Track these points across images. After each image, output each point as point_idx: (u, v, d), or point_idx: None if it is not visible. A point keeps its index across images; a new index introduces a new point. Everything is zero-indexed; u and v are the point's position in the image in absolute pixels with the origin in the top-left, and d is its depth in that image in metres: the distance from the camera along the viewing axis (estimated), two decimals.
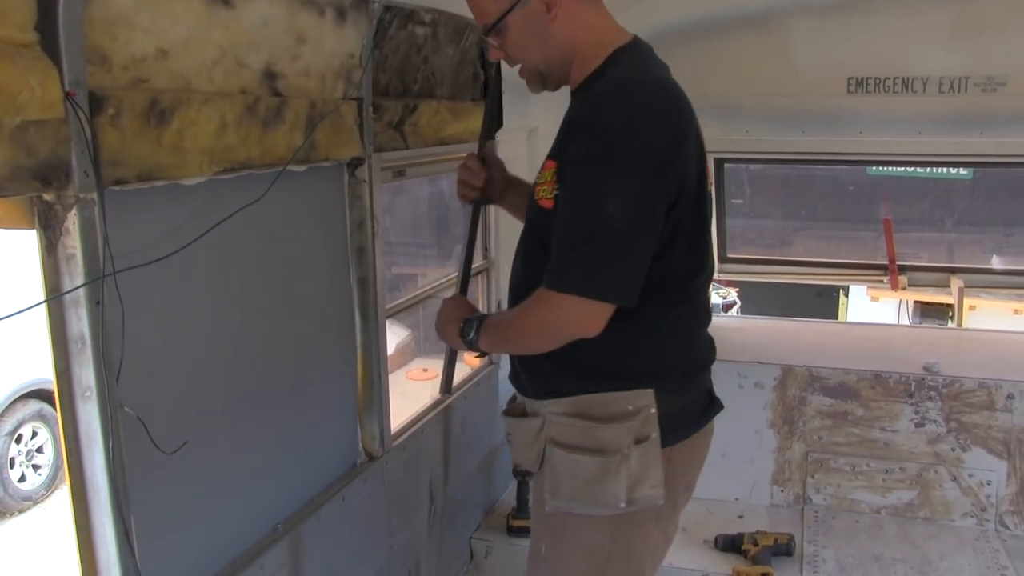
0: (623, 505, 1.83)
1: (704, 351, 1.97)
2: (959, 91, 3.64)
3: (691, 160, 1.76)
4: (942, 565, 3.02)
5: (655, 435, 1.83)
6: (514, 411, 2.04)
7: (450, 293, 3.36)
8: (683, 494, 2.03)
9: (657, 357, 1.86)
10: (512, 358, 2.00)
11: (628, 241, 1.70)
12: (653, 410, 1.83)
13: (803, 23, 3.80)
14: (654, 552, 2.01)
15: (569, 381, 1.87)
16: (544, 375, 1.91)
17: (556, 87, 1.92)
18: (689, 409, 1.94)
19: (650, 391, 1.83)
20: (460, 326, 1.95)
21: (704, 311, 1.96)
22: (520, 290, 1.93)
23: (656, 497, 1.84)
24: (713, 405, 2.02)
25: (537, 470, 1.96)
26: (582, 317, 1.72)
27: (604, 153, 1.68)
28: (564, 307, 1.72)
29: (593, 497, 1.85)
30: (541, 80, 1.92)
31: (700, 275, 1.88)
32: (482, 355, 2.04)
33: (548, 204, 1.81)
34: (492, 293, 3.29)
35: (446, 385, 2.26)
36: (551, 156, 1.84)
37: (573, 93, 1.91)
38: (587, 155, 1.70)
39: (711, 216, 1.91)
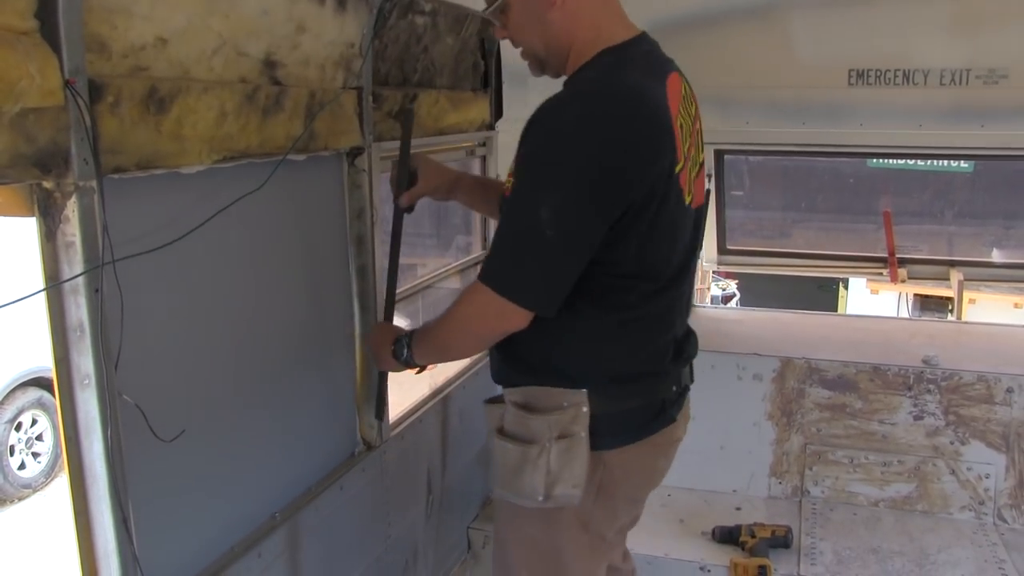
0: (540, 499, 1.85)
1: (655, 360, 1.93)
2: (960, 83, 3.63)
3: (650, 175, 1.71)
4: (940, 558, 3.03)
5: (583, 434, 1.83)
6: (493, 399, 2.06)
7: (449, 284, 3.37)
8: (623, 504, 2.02)
9: (589, 360, 1.86)
10: (491, 349, 2.00)
11: (555, 251, 1.70)
12: (585, 409, 1.83)
13: (804, 14, 3.79)
14: (589, 556, 2.01)
15: (518, 372, 1.91)
16: (503, 364, 1.95)
17: (556, 74, 1.92)
18: (632, 416, 1.91)
19: (583, 391, 1.83)
20: (392, 348, 1.99)
21: (661, 320, 1.91)
22: None
23: (573, 497, 1.84)
24: (663, 416, 1.97)
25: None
26: (504, 314, 1.74)
27: (548, 160, 1.69)
28: (489, 304, 1.74)
29: (515, 486, 1.88)
30: (539, 65, 1.93)
31: (651, 283, 1.84)
32: (422, 369, 2.07)
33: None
34: None
35: (379, 411, 2.35)
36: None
37: (564, 85, 1.90)
38: (532, 158, 1.71)
39: (684, 224, 1.88)
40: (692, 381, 2.07)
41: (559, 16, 1.81)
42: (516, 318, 1.74)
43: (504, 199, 1.81)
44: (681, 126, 1.80)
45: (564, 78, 1.89)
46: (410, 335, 1.98)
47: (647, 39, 1.87)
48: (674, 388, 1.98)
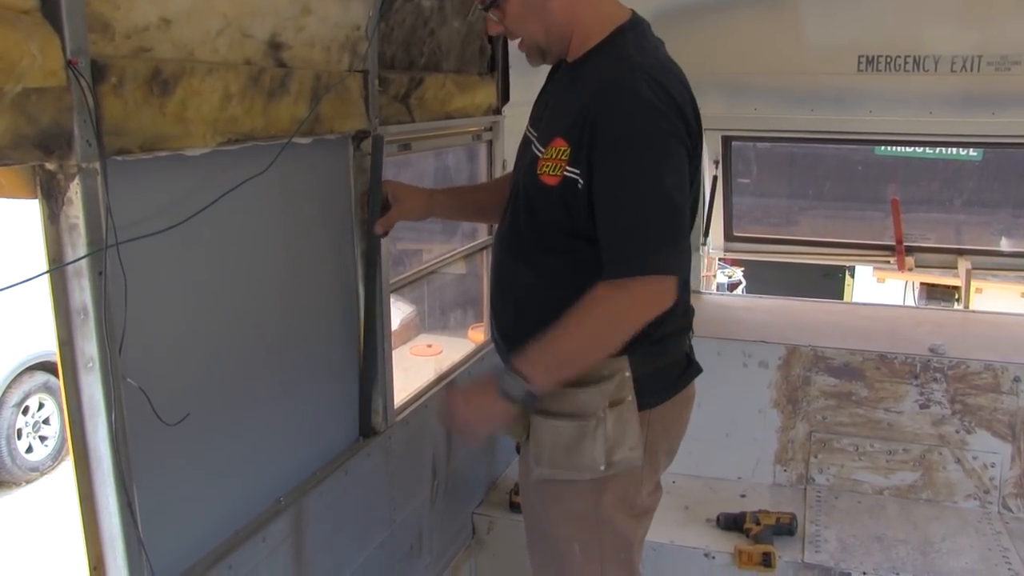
0: (602, 468, 1.88)
1: (683, 315, 2.01)
2: (972, 70, 3.60)
3: (697, 127, 1.87)
4: (944, 546, 3.02)
5: (631, 398, 1.88)
6: None
7: (454, 269, 3.36)
8: (664, 458, 2.08)
9: None
10: (493, 333, 2.05)
11: (685, 214, 1.81)
12: (627, 373, 1.87)
13: (813, 0, 3.76)
14: (640, 514, 2.06)
15: None
16: (523, 344, 1.90)
17: (555, 61, 1.98)
18: (665, 373, 1.99)
19: (623, 356, 1.86)
20: (499, 391, 1.80)
21: (684, 273, 1.96)
22: (507, 261, 1.99)
23: (634, 459, 1.90)
24: (691, 368, 2.06)
25: (524, 440, 2.00)
26: (664, 295, 1.78)
27: (651, 132, 1.74)
28: (646, 290, 1.77)
29: (573, 462, 1.89)
30: (540, 54, 1.96)
31: (687, 239, 1.91)
32: (535, 403, 1.85)
33: (552, 181, 1.82)
34: None
35: (365, 428, 2.36)
36: (560, 135, 1.84)
37: (570, 66, 1.93)
38: (627, 140, 1.75)
39: (698, 188, 2.01)
40: (693, 332, 2.12)
41: (558, 4, 1.85)
42: (672, 294, 1.79)
43: (550, 180, 1.83)
44: None
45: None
46: (516, 367, 1.80)
47: (638, 15, 1.95)
48: (688, 341, 2.07)
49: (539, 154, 1.88)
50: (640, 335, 1.84)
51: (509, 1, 1.86)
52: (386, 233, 2.26)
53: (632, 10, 1.92)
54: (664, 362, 1.98)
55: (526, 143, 2.00)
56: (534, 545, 2.14)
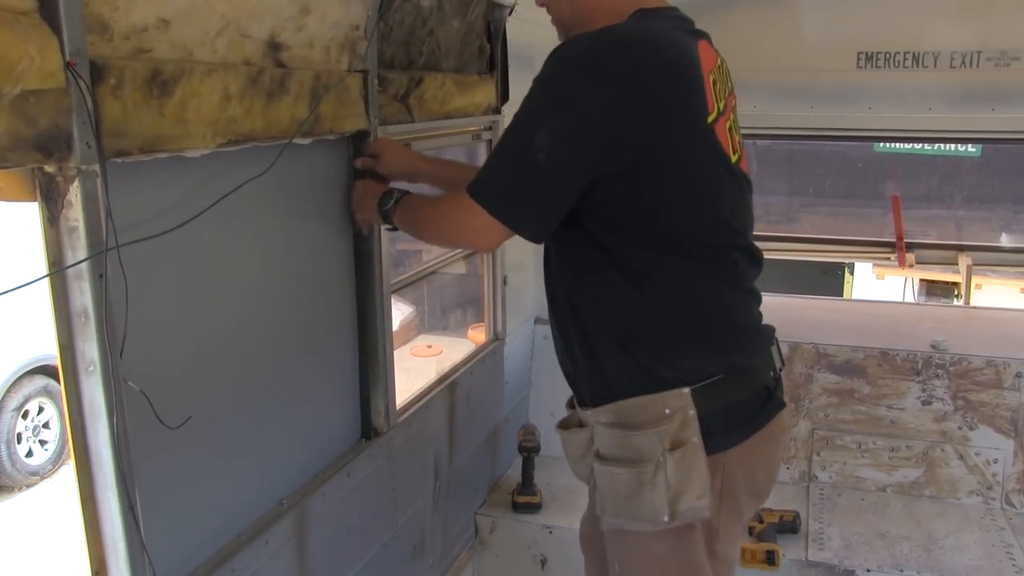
0: (665, 519, 1.72)
1: (746, 341, 1.84)
2: (971, 66, 3.61)
3: (662, 118, 1.65)
4: (947, 543, 3.02)
5: (696, 439, 1.71)
6: (567, 424, 1.99)
7: (454, 269, 3.35)
8: (749, 502, 1.90)
9: (678, 350, 1.75)
10: (574, 364, 1.89)
11: (542, 177, 1.66)
12: (691, 412, 1.71)
13: None
14: (722, 562, 1.89)
15: (600, 388, 1.82)
16: (579, 385, 1.87)
17: None
18: (739, 409, 1.79)
19: (685, 391, 1.71)
20: (380, 196, 2.01)
21: (736, 291, 1.82)
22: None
23: (702, 509, 1.72)
24: (771, 403, 1.85)
25: (592, 485, 1.91)
26: (481, 229, 1.72)
27: (555, 86, 1.65)
28: (469, 214, 1.70)
29: (633, 512, 1.76)
30: (564, 31, 1.89)
31: (704, 248, 1.75)
32: (391, 228, 2.07)
33: None
34: (497, 269, 3.27)
35: (367, 430, 2.35)
36: None
37: None
38: (541, 82, 1.67)
39: (728, 178, 1.78)
40: (783, 364, 1.95)
41: None
42: (491, 236, 1.73)
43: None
44: (714, 82, 1.75)
45: None
46: (402, 194, 1.99)
47: (679, 11, 1.84)
48: (771, 373, 1.87)
49: None
50: (689, 361, 1.74)
51: None
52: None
53: (669, 4, 1.83)
54: (736, 396, 1.78)
55: None
56: None
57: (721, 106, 1.76)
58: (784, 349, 3.39)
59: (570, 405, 2.01)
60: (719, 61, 1.84)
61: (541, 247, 1.92)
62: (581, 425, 1.93)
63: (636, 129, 1.63)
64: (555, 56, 1.66)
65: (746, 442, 1.79)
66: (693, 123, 1.69)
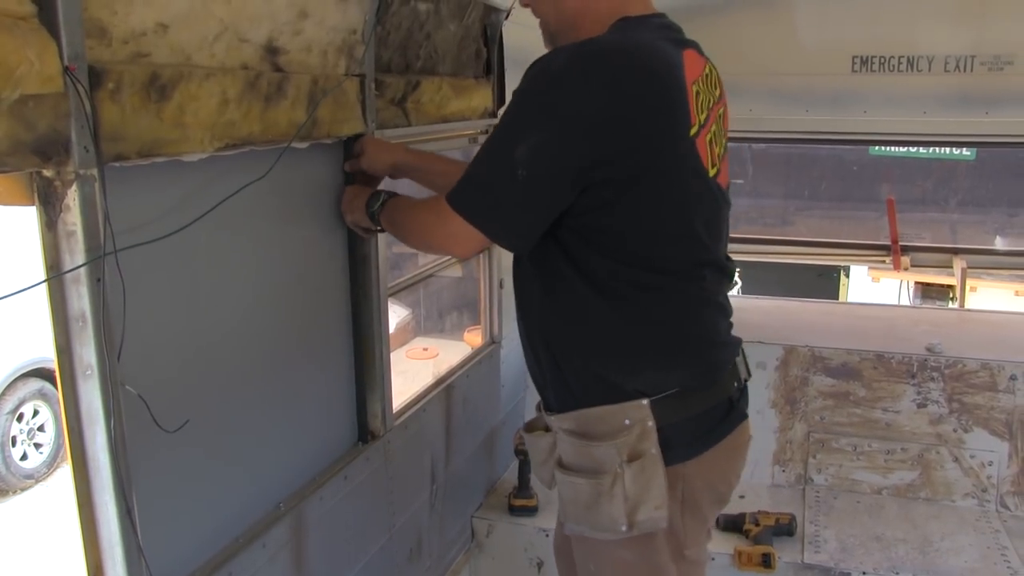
0: (624, 529, 1.73)
1: (710, 353, 1.84)
2: (965, 70, 3.63)
3: (640, 133, 1.63)
4: (943, 545, 3.02)
5: (654, 451, 1.72)
6: (532, 426, 1.99)
7: (451, 272, 3.35)
8: (711, 508, 1.92)
9: (637, 362, 1.76)
10: (540, 370, 1.89)
11: (521, 192, 1.65)
12: (650, 423, 1.71)
13: (807, 1, 3.77)
14: (692, 563, 1.91)
15: (564, 396, 1.82)
16: (547, 391, 1.87)
17: None
18: (699, 421, 1.80)
19: (643, 403, 1.72)
20: (368, 198, 2.03)
21: (703, 305, 1.82)
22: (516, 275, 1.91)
23: (659, 519, 1.74)
24: (732, 414, 1.86)
25: (552, 489, 1.91)
26: (458, 236, 1.72)
27: (534, 100, 1.64)
28: (447, 220, 1.71)
29: (592, 521, 1.77)
30: (551, 38, 1.88)
31: (676, 261, 1.74)
32: (379, 230, 2.11)
33: None
34: (494, 272, 3.28)
35: (364, 433, 2.34)
36: None
37: None
38: (520, 95, 1.66)
39: (707, 193, 1.77)
40: (749, 375, 1.96)
41: None
42: (466, 242, 1.73)
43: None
44: (698, 93, 1.72)
45: None
46: (390, 195, 2.01)
47: (666, 17, 1.82)
48: (735, 384, 1.88)
49: None
50: (651, 374, 1.74)
51: None
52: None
53: (658, 12, 1.81)
54: (697, 408, 1.78)
55: None
56: None
57: (703, 118, 1.73)
58: (779, 352, 3.45)
59: (539, 408, 2.02)
60: (707, 69, 1.82)
61: None
62: (547, 429, 1.92)
63: (614, 143, 1.61)
64: (535, 69, 1.65)
65: (706, 453, 1.80)
66: (672, 138, 1.67)
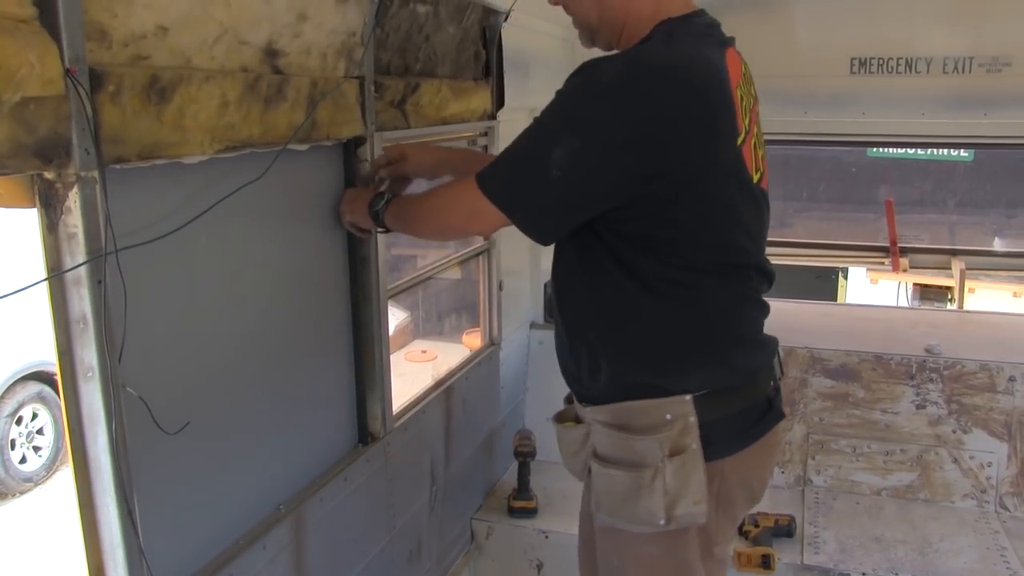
0: (662, 523, 1.74)
1: (752, 352, 1.85)
2: (963, 72, 3.63)
3: (700, 141, 1.64)
4: (942, 546, 3.03)
5: (695, 446, 1.73)
6: (563, 417, 1.99)
7: (450, 275, 3.36)
8: (743, 505, 1.93)
9: (683, 360, 1.77)
10: (578, 368, 1.89)
11: (553, 191, 1.66)
12: (692, 419, 1.72)
13: (806, 3, 3.78)
14: (718, 562, 1.92)
15: (607, 388, 1.82)
16: (585, 382, 1.87)
17: (607, 47, 1.87)
18: (739, 419, 1.81)
19: (687, 398, 1.73)
20: (370, 200, 2.02)
21: (747, 304, 1.84)
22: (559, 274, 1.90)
23: (698, 515, 1.74)
24: (769, 414, 1.87)
25: (585, 481, 1.91)
26: (482, 213, 1.72)
27: (580, 107, 1.63)
28: (473, 198, 1.72)
29: (630, 513, 1.77)
30: (590, 36, 1.87)
31: (720, 267, 1.76)
32: (384, 231, 2.11)
33: None
34: (493, 274, 3.28)
35: (364, 435, 2.33)
36: None
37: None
38: (566, 98, 1.66)
39: (751, 200, 1.78)
40: (783, 373, 1.97)
41: None
42: (488, 219, 1.73)
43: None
44: (741, 98, 1.73)
45: (567, 68, 1.86)
46: (393, 195, 2.02)
47: (707, 14, 1.82)
48: (772, 383, 1.90)
49: None
50: (696, 371, 1.75)
51: None
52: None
53: (699, 9, 1.81)
54: (738, 406, 1.80)
55: None
56: None
57: (747, 123, 1.74)
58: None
59: (568, 400, 2.02)
60: (744, 68, 1.83)
61: (537, 253, 1.94)
62: (577, 420, 1.93)
63: (662, 161, 1.62)
64: (584, 76, 1.64)
65: (744, 451, 1.81)
66: (720, 152, 1.68)
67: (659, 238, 1.70)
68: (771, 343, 1.92)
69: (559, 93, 1.68)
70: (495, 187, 1.71)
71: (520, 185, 1.70)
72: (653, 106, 1.60)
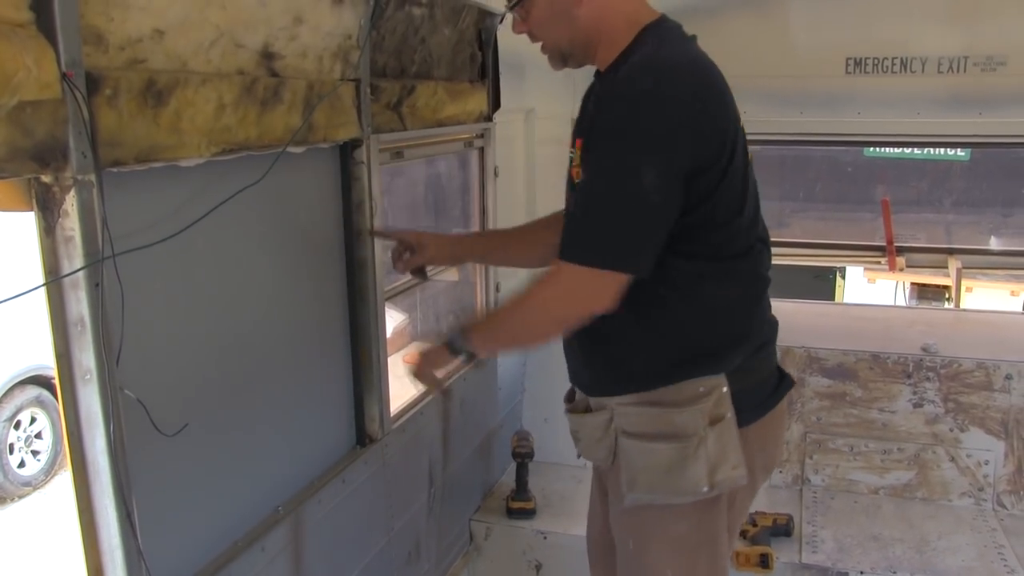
0: (705, 489, 1.79)
1: (766, 327, 1.95)
2: (958, 71, 3.64)
3: (724, 132, 1.73)
4: (940, 544, 3.03)
5: (730, 415, 1.81)
6: (577, 407, 2.00)
7: (446, 276, 3.36)
8: (761, 474, 2.00)
9: (717, 339, 1.84)
10: (574, 356, 1.93)
11: (660, 216, 1.68)
12: (725, 389, 1.81)
13: (801, 3, 3.79)
14: (733, 532, 2.00)
15: (637, 379, 1.85)
16: (618, 376, 1.89)
17: (578, 65, 1.90)
18: (761, 387, 1.92)
19: (719, 372, 1.81)
20: (444, 344, 1.88)
21: (758, 279, 1.91)
22: None
23: (739, 478, 1.82)
24: (784, 382, 1.99)
25: (610, 465, 1.92)
26: (595, 290, 1.68)
27: (639, 127, 1.65)
28: (580, 281, 1.69)
29: (673, 485, 1.81)
30: (562, 59, 1.90)
31: (744, 242, 1.83)
32: (477, 364, 1.93)
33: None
34: (490, 284, 3.28)
35: (362, 436, 2.34)
36: (579, 134, 1.82)
37: (600, 75, 1.88)
38: (619, 127, 1.67)
39: (752, 177, 1.87)
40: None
41: (587, 11, 1.79)
42: (616, 292, 1.68)
43: (582, 178, 1.75)
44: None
45: (566, 69, 1.90)
46: (462, 327, 1.87)
47: (669, 18, 1.87)
48: (777, 354, 2.01)
49: (570, 156, 1.87)
50: (729, 347, 1.82)
51: (535, 4, 1.82)
52: (408, 271, 2.29)
53: (662, 14, 1.86)
54: (759, 376, 1.91)
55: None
56: (626, 570, 2.01)
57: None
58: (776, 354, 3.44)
59: (569, 398, 2.05)
60: None
61: None
62: (589, 408, 1.95)
63: (706, 152, 1.69)
64: (624, 97, 1.67)
65: (764, 417, 1.91)
66: (737, 137, 1.77)
67: (697, 228, 1.75)
68: (773, 317, 2.01)
69: (609, 124, 1.68)
70: (600, 252, 1.68)
71: (626, 234, 1.69)
72: (693, 103, 1.68)
